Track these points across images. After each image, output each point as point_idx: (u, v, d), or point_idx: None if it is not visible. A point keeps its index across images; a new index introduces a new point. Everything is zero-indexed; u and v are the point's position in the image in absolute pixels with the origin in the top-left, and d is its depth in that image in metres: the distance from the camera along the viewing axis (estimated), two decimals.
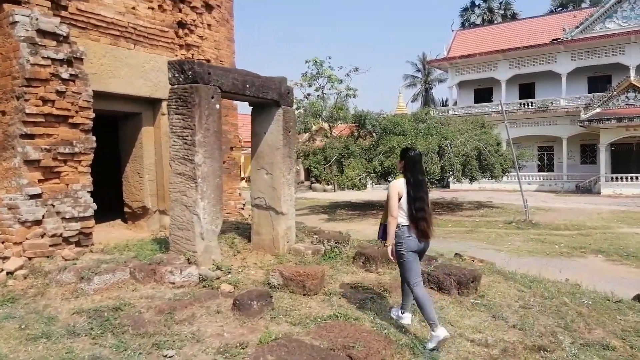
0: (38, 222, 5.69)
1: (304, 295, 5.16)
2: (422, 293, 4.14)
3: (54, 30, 5.88)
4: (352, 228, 13.50)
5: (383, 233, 4.45)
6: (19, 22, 5.61)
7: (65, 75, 5.95)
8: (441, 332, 3.96)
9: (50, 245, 5.67)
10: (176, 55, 8.34)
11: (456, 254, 8.34)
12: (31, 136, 5.74)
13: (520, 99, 33.78)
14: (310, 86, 23.27)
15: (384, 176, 18.66)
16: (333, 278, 5.82)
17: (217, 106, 5.63)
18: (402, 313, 4.52)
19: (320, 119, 23.14)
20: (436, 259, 6.99)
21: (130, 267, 5.15)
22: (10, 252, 5.41)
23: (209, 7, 8.90)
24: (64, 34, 6.01)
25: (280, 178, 6.63)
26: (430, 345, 3.95)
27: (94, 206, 6.25)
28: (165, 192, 8.23)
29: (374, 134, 20.06)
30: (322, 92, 23.67)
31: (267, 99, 6.38)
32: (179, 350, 3.66)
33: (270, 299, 4.72)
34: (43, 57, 5.74)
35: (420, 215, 4.10)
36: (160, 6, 8.10)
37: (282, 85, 6.62)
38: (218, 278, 5.41)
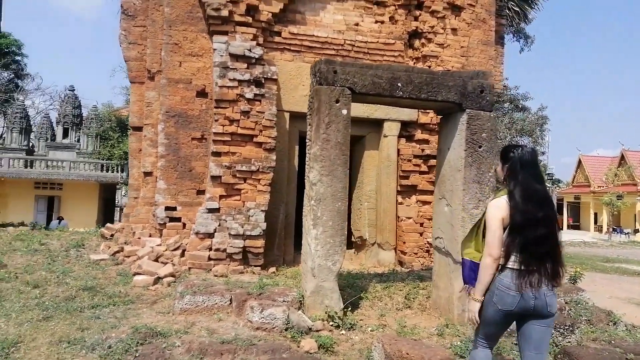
0: (210, 235, 5.93)
1: None
2: (480, 357, 2.82)
3: (244, 53, 6.12)
4: None
5: (469, 274, 2.86)
6: (216, 49, 6.13)
7: (249, 95, 6.08)
8: None
9: (210, 259, 5.79)
10: None
11: None
12: (217, 154, 6.10)
13: None
14: None
15: None
16: None
17: (344, 112, 4.44)
18: None
19: None
20: None
21: (232, 294, 4.59)
22: (177, 260, 5.82)
23: (456, 9, 7.50)
24: (256, 56, 6.18)
25: (460, 212, 4.66)
26: None
27: (263, 226, 6.03)
28: (383, 222, 7.29)
29: None
30: None
31: (436, 100, 4.65)
32: None
33: None
34: (230, 79, 6.04)
35: (542, 250, 2.57)
36: (391, 17, 7.37)
37: (468, 82, 4.69)
38: (317, 331, 4.16)
